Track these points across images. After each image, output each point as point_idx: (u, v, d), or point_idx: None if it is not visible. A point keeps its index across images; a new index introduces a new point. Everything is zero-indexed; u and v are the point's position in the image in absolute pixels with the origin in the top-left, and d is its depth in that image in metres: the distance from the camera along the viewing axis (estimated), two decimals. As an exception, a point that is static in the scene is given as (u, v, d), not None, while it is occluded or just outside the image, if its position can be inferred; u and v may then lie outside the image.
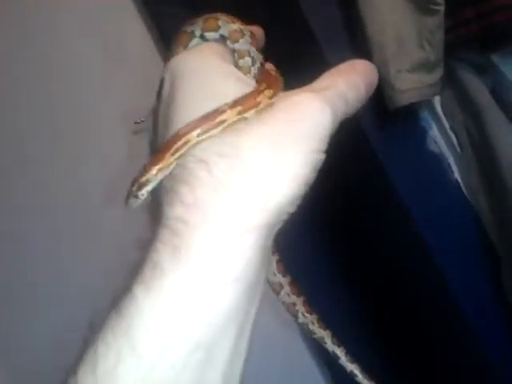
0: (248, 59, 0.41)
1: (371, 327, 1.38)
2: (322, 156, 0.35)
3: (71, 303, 1.45)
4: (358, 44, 1.18)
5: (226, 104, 0.35)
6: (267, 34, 0.46)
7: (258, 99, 0.35)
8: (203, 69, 0.38)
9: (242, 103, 0.35)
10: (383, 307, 1.35)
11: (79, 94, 1.49)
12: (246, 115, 0.34)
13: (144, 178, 0.34)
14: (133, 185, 0.35)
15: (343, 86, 0.37)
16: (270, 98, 0.36)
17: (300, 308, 0.53)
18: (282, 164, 0.33)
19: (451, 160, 1.27)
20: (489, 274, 1.25)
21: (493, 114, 1.25)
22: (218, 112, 0.35)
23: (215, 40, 0.41)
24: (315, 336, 0.55)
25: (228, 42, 0.41)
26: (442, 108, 1.26)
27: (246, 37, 0.41)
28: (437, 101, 1.24)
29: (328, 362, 1.33)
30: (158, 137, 0.39)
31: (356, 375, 0.56)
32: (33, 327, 1.44)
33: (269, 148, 0.33)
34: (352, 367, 0.56)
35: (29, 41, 1.46)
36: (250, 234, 0.32)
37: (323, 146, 0.35)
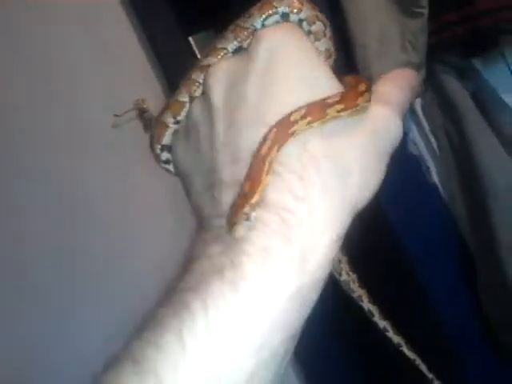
0: (320, 42, 0.40)
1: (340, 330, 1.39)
2: None
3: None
4: (341, 44, 1.19)
5: (331, 97, 0.34)
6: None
7: (358, 101, 0.35)
8: (300, 47, 0.37)
9: (345, 102, 0.34)
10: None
11: (66, 93, 1.49)
12: (342, 114, 0.34)
13: (256, 198, 0.32)
14: (242, 207, 0.31)
15: (404, 98, 0.38)
16: (368, 101, 0.35)
17: (344, 266, 0.55)
18: (374, 172, 0.35)
19: (430, 162, 1.27)
20: (465, 276, 1.26)
21: (473, 119, 1.26)
22: (324, 104, 0.34)
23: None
24: (354, 294, 0.57)
25: (304, 24, 0.39)
26: (422, 110, 1.26)
27: (319, 21, 0.40)
28: (417, 103, 1.25)
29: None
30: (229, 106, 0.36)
31: (387, 331, 0.59)
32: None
33: (368, 157, 0.35)
34: (384, 323, 0.59)
35: (15, 40, 1.46)
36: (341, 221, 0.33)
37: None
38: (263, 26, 0.39)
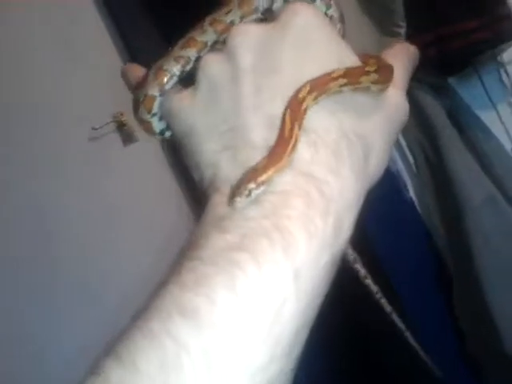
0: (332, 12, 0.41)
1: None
2: None
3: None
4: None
5: (336, 71, 0.35)
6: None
7: (360, 79, 0.35)
8: (327, 25, 0.38)
9: (348, 77, 0.35)
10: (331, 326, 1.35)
11: (43, 105, 1.50)
12: (344, 89, 0.35)
13: (264, 177, 0.31)
14: (247, 182, 0.31)
15: (408, 77, 0.40)
16: (374, 83, 0.36)
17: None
18: (386, 153, 0.37)
19: (407, 178, 1.29)
20: (441, 292, 1.26)
21: (449, 136, 1.28)
22: (328, 78, 0.35)
23: None
24: (359, 274, 0.60)
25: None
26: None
27: None
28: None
29: None
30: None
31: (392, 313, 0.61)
32: None
33: (384, 138, 0.36)
34: (389, 307, 0.62)
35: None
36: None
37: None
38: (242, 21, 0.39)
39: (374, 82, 0.36)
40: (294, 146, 0.32)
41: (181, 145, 0.38)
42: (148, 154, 1.50)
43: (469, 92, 1.32)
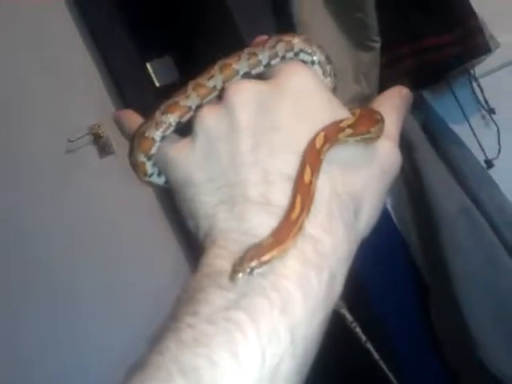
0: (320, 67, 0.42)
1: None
2: None
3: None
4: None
5: (345, 121, 0.36)
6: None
7: (370, 129, 0.36)
8: (320, 82, 0.39)
9: (357, 127, 0.36)
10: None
11: (13, 105, 1.48)
12: (349, 139, 0.36)
13: (268, 257, 0.31)
14: (250, 260, 0.31)
15: (401, 124, 0.40)
16: (379, 133, 0.37)
17: None
18: (377, 209, 0.37)
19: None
20: (417, 301, 1.27)
21: (423, 149, 1.30)
22: (338, 128, 0.35)
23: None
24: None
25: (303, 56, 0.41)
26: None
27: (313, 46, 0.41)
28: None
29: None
30: None
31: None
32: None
33: (375, 193, 0.36)
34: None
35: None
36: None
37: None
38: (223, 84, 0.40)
39: (379, 133, 0.37)
40: (300, 228, 0.33)
41: (176, 192, 0.39)
42: (125, 165, 1.48)
43: (442, 105, 1.34)
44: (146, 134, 0.40)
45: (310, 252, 0.32)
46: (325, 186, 0.34)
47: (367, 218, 0.36)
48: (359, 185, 0.35)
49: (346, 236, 0.33)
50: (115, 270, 1.51)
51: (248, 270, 0.31)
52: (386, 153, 0.37)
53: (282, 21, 1.24)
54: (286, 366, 0.29)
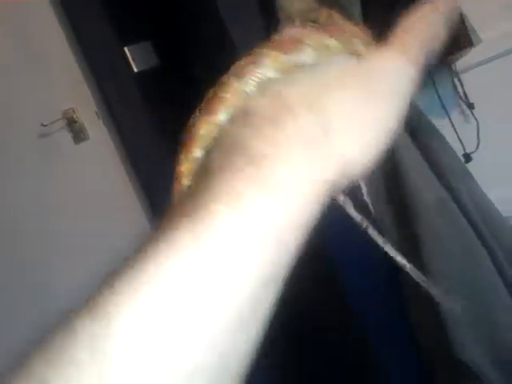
0: None
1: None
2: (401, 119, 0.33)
3: None
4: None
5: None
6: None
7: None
8: None
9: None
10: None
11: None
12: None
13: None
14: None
15: (427, 38, 0.36)
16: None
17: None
18: (377, 117, 0.32)
19: (361, 181, 1.30)
20: (393, 296, 1.27)
21: (403, 141, 1.29)
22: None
23: None
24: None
25: None
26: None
27: None
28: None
29: None
30: None
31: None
32: None
33: (362, 102, 0.31)
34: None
35: None
36: (321, 185, 0.29)
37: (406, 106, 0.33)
38: None
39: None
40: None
41: None
42: (100, 151, 1.47)
43: (423, 99, 1.34)
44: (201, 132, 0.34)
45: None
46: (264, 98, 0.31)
47: (347, 142, 0.30)
48: (320, 95, 0.30)
49: (302, 150, 0.28)
50: (91, 258, 1.48)
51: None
52: (380, 65, 0.33)
53: (264, 8, 1.23)
54: None
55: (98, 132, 1.47)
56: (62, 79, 1.47)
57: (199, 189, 0.28)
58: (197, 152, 0.32)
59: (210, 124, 0.31)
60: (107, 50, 1.41)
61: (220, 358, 0.24)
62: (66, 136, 1.48)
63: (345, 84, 0.32)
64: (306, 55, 0.32)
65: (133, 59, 1.40)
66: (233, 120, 0.31)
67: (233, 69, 0.32)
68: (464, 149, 1.38)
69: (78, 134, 1.46)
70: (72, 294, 1.44)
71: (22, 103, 1.46)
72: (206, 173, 0.29)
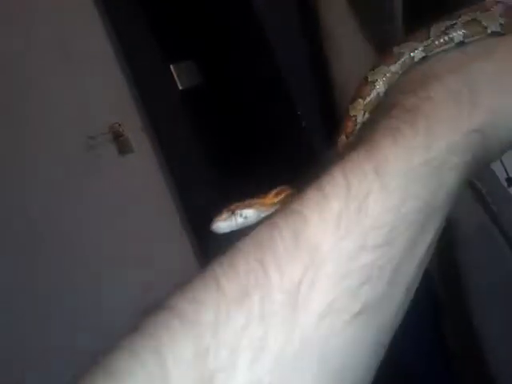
0: None
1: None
2: None
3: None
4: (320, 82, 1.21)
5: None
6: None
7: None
8: None
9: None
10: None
11: (35, 102, 1.48)
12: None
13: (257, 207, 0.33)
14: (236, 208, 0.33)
15: None
16: None
17: None
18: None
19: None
20: (429, 311, 1.25)
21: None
22: None
23: None
24: None
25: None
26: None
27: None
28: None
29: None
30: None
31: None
32: None
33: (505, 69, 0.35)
34: None
35: None
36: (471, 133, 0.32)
37: None
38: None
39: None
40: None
41: None
42: (144, 164, 1.50)
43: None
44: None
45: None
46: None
47: (492, 104, 0.33)
48: (470, 66, 0.35)
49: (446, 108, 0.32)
50: (129, 271, 1.51)
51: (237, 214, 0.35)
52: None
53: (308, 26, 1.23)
54: (375, 198, 0.28)
55: (142, 146, 1.51)
56: (109, 95, 1.51)
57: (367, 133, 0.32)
58: (359, 117, 0.40)
59: (368, 96, 0.39)
60: (153, 68, 1.45)
61: None
62: (112, 149, 1.52)
63: (487, 56, 0.36)
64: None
65: (178, 76, 1.44)
66: (387, 93, 0.38)
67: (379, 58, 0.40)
68: (507, 173, 1.34)
69: (123, 147, 1.50)
70: (122, 306, 1.47)
71: (72, 117, 1.51)
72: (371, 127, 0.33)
